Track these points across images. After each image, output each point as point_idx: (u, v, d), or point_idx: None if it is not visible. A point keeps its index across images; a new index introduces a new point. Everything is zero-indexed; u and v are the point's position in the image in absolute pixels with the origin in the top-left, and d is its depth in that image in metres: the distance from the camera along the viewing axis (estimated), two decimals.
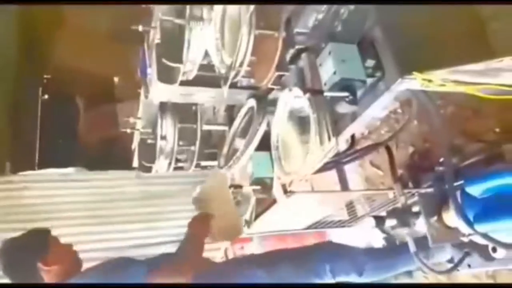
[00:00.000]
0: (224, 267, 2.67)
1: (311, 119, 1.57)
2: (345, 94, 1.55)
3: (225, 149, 2.40)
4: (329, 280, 2.50)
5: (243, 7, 1.67)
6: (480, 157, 2.19)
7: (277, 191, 2.17)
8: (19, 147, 4.81)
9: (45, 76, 5.48)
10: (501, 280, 2.54)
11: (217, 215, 2.53)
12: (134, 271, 2.12)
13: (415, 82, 1.38)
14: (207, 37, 1.92)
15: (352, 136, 2.22)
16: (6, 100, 4.75)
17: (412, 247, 2.34)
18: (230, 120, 2.52)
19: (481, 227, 1.91)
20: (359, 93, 1.57)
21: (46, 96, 5.38)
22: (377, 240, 3.15)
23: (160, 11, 2.10)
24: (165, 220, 3.56)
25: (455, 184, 1.97)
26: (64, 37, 5.16)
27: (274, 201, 2.25)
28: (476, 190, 2.01)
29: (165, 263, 2.26)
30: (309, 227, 2.90)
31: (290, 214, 2.54)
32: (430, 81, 1.36)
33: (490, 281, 2.60)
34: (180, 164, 2.84)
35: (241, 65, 1.73)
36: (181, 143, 2.61)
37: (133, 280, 2.09)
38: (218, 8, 1.86)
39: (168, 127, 2.54)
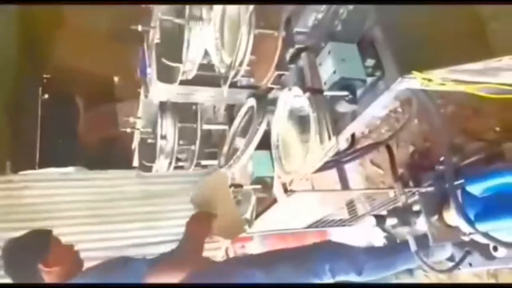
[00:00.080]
0: (223, 266, 2.68)
1: (311, 118, 1.56)
2: (345, 93, 1.54)
3: (225, 148, 2.40)
4: (328, 279, 2.51)
5: (242, 7, 1.66)
6: (481, 156, 2.19)
7: (277, 190, 2.17)
8: (19, 147, 4.82)
9: (45, 75, 5.49)
10: (503, 278, 2.54)
11: (218, 214, 2.54)
12: (134, 270, 2.13)
13: (415, 81, 1.38)
14: (206, 37, 1.91)
15: (353, 135, 2.22)
16: (6, 99, 4.75)
17: (413, 246, 2.34)
18: (230, 119, 2.52)
19: (482, 226, 1.91)
20: (359, 92, 1.57)
21: (46, 96, 5.39)
22: (378, 239, 3.15)
23: (159, 11, 2.10)
24: (166, 219, 3.58)
25: (456, 183, 1.97)
26: (64, 37, 5.17)
27: (274, 200, 2.24)
28: (476, 189, 2.01)
29: (165, 262, 2.26)
30: (309, 226, 2.90)
31: (290, 213, 2.54)
32: (430, 80, 1.36)
33: (492, 280, 2.60)
34: (180, 164, 2.84)
35: (240, 64, 1.72)
36: (181, 142, 2.60)
37: (133, 279, 2.09)
38: (217, 7, 1.85)
39: (168, 127, 2.53)
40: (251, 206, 2.41)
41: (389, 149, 2.54)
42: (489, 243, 2.12)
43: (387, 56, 1.47)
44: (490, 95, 1.37)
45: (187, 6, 1.91)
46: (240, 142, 2.28)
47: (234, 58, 1.71)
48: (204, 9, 1.90)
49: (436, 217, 2.23)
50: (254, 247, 3.94)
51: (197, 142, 2.60)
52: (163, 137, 2.55)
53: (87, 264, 2.31)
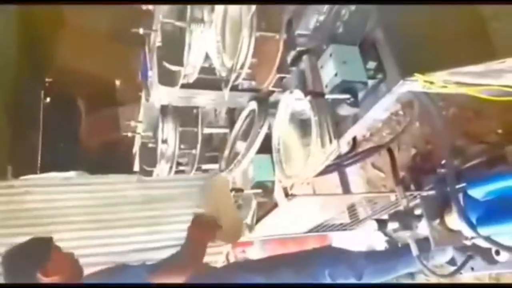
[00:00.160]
0: (223, 272, 2.67)
1: (312, 122, 1.56)
2: (347, 96, 1.54)
3: (226, 152, 2.39)
4: None
5: (244, 9, 1.66)
6: (483, 159, 2.18)
7: (278, 194, 2.17)
8: (20, 151, 4.82)
9: (46, 79, 5.48)
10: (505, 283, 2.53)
11: (219, 218, 2.54)
12: (134, 277, 2.12)
13: (416, 83, 1.38)
14: (207, 40, 1.91)
15: (354, 139, 2.22)
16: (8, 103, 4.75)
17: (414, 251, 2.33)
18: (231, 123, 2.52)
19: (484, 230, 1.90)
20: (360, 95, 1.56)
21: (47, 100, 5.39)
22: (379, 243, 3.14)
23: (160, 14, 2.10)
24: (167, 223, 3.56)
25: (458, 186, 1.96)
26: (65, 41, 5.17)
27: (275, 205, 2.24)
28: (478, 192, 2.00)
29: (165, 267, 2.26)
30: (310, 231, 2.89)
31: (291, 218, 2.53)
32: (431, 82, 1.35)
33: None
34: (181, 168, 2.83)
35: (242, 67, 1.72)
36: (182, 146, 2.60)
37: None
38: (219, 10, 1.85)
39: (169, 131, 2.53)
40: (251, 210, 2.40)
41: (390, 152, 2.53)
42: (491, 247, 2.11)
43: (389, 58, 1.46)
44: (493, 97, 1.37)
45: (189, 9, 1.90)
46: (241, 146, 2.27)
47: (235, 61, 1.70)
48: (205, 12, 1.90)
49: (437, 221, 2.23)
50: (255, 252, 3.92)
51: (198, 146, 2.60)
52: (164, 141, 2.55)
53: (87, 269, 2.31)
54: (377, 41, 1.51)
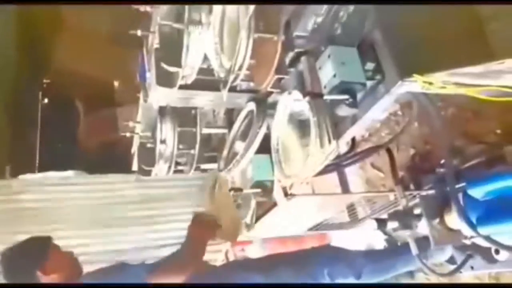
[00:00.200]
0: (223, 270, 2.67)
1: (311, 122, 1.56)
2: (345, 97, 1.54)
3: (225, 152, 2.39)
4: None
5: (242, 10, 1.66)
6: (482, 159, 2.18)
7: (277, 194, 2.16)
8: (19, 151, 4.82)
9: (45, 80, 5.48)
10: (504, 282, 2.53)
11: (218, 217, 2.54)
12: (133, 276, 2.12)
13: (415, 84, 1.37)
14: (206, 41, 1.91)
15: (353, 139, 2.22)
16: (6, 103, 4.75)
17: (414, 250, 2.33)
18: (229, 123, 2.51)
19: (484, 230, 1.90)
20: (359, 96, 1.56)
21: (46, 100, 5.39)
22: (379, 242, 3.14)
23: (158, 16, 2.09)
24: (165, 222, 3.57)
25: (457, 186, 1.96)
26: (64, 41, 5.17)
27: (274, 204, 2.24)
28: (478, 192, 2.00)
29: (165, 266, 2.26)
30: (310, 230, 2.89)
31: (291, 217, 2.53)
32: (430, 83, 1.35)
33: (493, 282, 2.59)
34: (180, 168, 2.83)
35: (240, 68, 1.72)
36: (180, 146, 2.59)
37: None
38: (216, 11, 1.85)
39: (167, 131, 2.53)
40: (251, 210, 2.40)
41: (389, 152, 2.53)
42: (491, 246, 2.11)
43: (387, 59, 1.46)
44: (491, 98, 1.37)
45: (186, 11, 1.90)
46: (239, 146, 2.27)
47: (234, 62, 1.70)
48: (203, 13, 1.90)
49: (437, 220, 2.23)
50: (254, 250, 3.92)
51: (197, 146, 2.60)
52: (163, 141, 2.54)
53: (85, 268, 2.31)
54: (375, 42, 1.51)
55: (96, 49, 5.01)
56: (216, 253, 3.65)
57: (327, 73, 1.56)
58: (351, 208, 2.84)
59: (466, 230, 2.04)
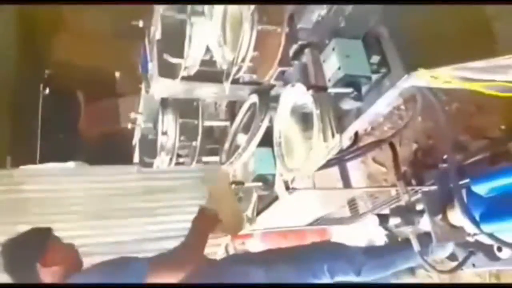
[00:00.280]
0: (222, 265, 2.66)
1: (314, 116, 1.54)
2: (350, 90, 1.52)
3: (226, 145, 2.38)
4: (327, 279, 2.49)
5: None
6: (485, 154, 2.17)
7: (279, 187, 2.15)
8: (20, 142, 4.82)
9: (46, 71, 5.47)
10: (505, 279, 2.52)
11: (219, 210, 2.52)
12: (135, 271, 2.10)
13: (421, 78, 1.36)
14: (208, 33, 1.89)
15: (356, 133, 2.20)
16: (7, 94, 4.74)
17: (416, 246, 2.32)
18: (232, 116, 2.50)
19: (487, 227, 1.89)
20: (363, 89, 1.55)
21: (47, 91, 5.37)
22: (379, 237, 3.13)
23: (161, 7, 2.07)
24: (167, 214, 3.57)
25: (461, 182, 1.95)
26: (65, 32, 5.16)
27: (276, 198, 2.23)
28: (482, 189, 1.99)
29: (167, 259, 2.25)
30: (311, 224, 2.88)
31: (292, 211, 2.52)
32: (436, 77, 1.34)
33: (494, 280, 2.58)
34: (181, 160, 2.81)
35: (243, 60, 1.70)
36: (182, 138, 2.58)
37: (135, 279, 2.07)
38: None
39: (169, 123, 2.51)
40: (252, 203, 2.39)
41: (392, 146, 2.52)
42: (494, 243, 2.10)
43: (393, 52, 1.45)
44: (496, 93, 1.36)
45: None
46: (242, 139, 2.26)
47: (237, 54, 1.68)
48: (206, 5, 1.88)
49: (440, 216, 2.22)
50: (254, 244, 3.92)
51: (199, 138, 2.58)
52: (164, 133, 2.53)
53: (86, 259, 2.29)
54: (380, 35, 1.49)
55: (98, 40, 5.00)
56: (216, 247, 3.65)
57: (332, 66, 1.55)
58: (352, 203, 2.84)
59: (469, 227, 2.03)
